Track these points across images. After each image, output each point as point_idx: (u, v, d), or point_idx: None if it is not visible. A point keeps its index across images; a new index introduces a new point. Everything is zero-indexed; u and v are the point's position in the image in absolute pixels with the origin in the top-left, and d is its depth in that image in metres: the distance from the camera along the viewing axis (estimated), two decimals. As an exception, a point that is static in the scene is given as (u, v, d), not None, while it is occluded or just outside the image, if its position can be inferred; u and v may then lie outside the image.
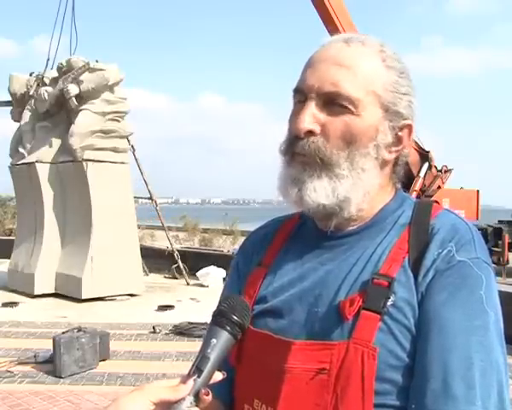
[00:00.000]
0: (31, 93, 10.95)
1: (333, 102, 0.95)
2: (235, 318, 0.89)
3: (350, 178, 0.96)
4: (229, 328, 0.88)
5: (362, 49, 0.98)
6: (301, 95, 0.99)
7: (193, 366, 0.86)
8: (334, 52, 0.98)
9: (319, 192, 0.95)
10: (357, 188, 0.97)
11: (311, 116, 0.96)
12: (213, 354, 0.86)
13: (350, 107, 0.95)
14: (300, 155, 0.97)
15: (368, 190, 0.98)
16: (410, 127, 1.00)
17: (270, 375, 0.95)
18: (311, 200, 0.96)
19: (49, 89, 10.63)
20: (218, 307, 0.92)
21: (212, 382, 0.86)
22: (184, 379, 0.85)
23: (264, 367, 0.97)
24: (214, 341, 0.87)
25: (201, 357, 0.86)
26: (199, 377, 0.85)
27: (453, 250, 0.92)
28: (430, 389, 0.85)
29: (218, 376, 0.88)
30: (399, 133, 0.99)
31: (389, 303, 0.90)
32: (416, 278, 0.92)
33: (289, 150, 0.99)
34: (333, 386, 0.89)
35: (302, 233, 1.06)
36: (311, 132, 0.96)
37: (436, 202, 1.08)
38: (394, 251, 0.95)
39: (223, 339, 0.87)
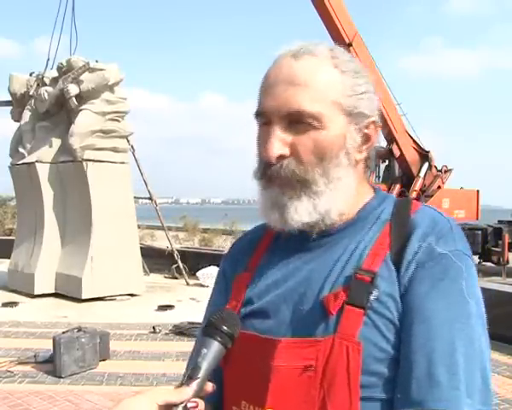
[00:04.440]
0: (31, 93, 10.94)
1: (297, 122, 0.96)
2: (225, 328, 0.91)
3: (328, 192, 0.98)
4: (219, 338, 0.90)
5: (312, 60, 0.98)
6: (264, 118, 1.00)
7: (184, 376, 0.87)
8: (286, 71, 0.98)
9: (301, 213, 0.98)
10: (337, 198, 0.99)
11: (279, 140, 0.97)
12: (205, 364, 0.87)
13: (315, 123, 0.96)
14: (277, 178, 0.98)
15: (347, 195, 1.00)
16: (375, 123, 1.02)
17: (257, 375, 0.96)
18: (294, 221, 0.98)
19: (49, 89, 10.63)
20: (208, 319, 0.93)
21: (203, 394, 0.87)
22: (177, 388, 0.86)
23: (251, 368, 0.97)
24: (205, 350, 0.88)
25: (193, 367, 0.87)
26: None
27: (433, 243, 0.94)
28: (414, 378, 0.87)
29: (209, 387, 0.88)
30: (366, 131, 1.01)
31: (372, 298, 0.91)
32: (398, 271, 0.93)
33: (264, 175, 1.00)
34: (319, 382, 0.90)
35: (286, 236, 1.06)
36: (281, 157, 0.97)
37: (417, 199, 1.11)
38: (376, 246, 0.97)
39: (213, 349, 0.89)
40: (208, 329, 0.91)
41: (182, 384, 0.86)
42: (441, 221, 0.98)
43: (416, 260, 0.93)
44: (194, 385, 0.85)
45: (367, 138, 1.02)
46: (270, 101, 0.98)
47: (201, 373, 0.86)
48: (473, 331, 0.89)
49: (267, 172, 0.99)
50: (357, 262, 0.96)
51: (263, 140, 1.00)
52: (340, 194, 0.99)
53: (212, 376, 0.89)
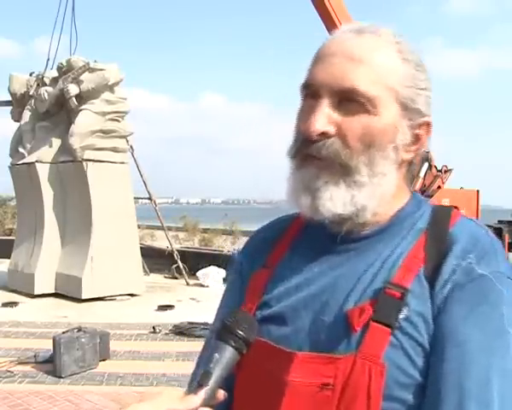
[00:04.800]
0: (31, 93, 10.94)
1: (349, 100, 0.87)
2: (241, 333, 0.84)
3: (370, 185, 0.88)
4: (233, 343, 0.83)
5: (376, 39, 0.90)
6: (311, 91, 0.90)
7: (191, 381, 0.82)
8: (346, 44, 0.89)
9: (336, 201, 0.88)
10: (376, 195, 0.89)
11: (325, 116, 0.87)
12: (216, 370, 0.81)
13: (368, 105, 0.86)
14: (315, 159, 0.88)
15: (385, 195, 0.91)
16: (428, 124, 0.93)
17: (269, 388, 0.88)
18: (327, 209, 0.88)
19: (49, 89, 10.63)
20: (222, 321, 0.87)
21: (213, 402, 0.81)
22: (186, 394, 0.80)
23: (263, 379, 0.90)
24: (217, 356, 0.82)
25: (203, 373, 0.81)
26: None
27: (473, 262, 0.85)
28: None
29: (221, 395, 0.82)
30: (417, 131, 0.92)
31: (401, 316, 0.83)
32: (432, 289, 0.84)
33: (301, 152, 0.90)
34: (336, 403, 0.83)
35: (310, 235, 0.97)
36: (324, 134, 0.87)
37: (456, 207, 1.02)
38: (409, 259, 0.88)
39: (227, 355, 0.83)
40: (222, 332, 0.84)
41: (190, 392, 0.80)
42: (483, 237, 0.89)
43: (452, 280, 0.84)
44: (203, 393, 0.79)
45: (417, 139, 0.92)
46: (321, 73, 0.89)
47: (212, 380, 0.80)
48: (511, 366, 0.80)
49: (304, 149, 0.89)
50: (389, 273, 0.87)
51: (305, 113, 0.90)
52: (381, 191, 0.89)
53: (224, 383, 0.83)
